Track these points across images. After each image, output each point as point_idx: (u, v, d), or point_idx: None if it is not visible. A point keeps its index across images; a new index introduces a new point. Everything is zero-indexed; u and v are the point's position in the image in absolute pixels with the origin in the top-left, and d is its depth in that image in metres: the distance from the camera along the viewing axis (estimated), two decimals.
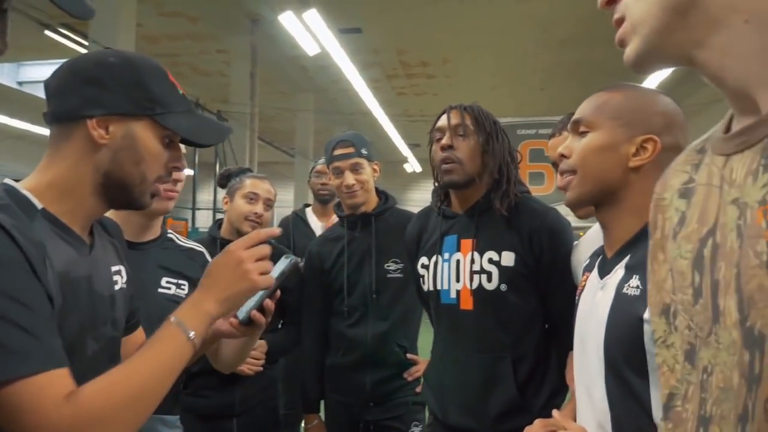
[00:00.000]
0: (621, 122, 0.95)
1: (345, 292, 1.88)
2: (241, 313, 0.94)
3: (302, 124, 11.97)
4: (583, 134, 0.99)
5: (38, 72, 11.62)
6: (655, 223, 0.56)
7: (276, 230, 0.92)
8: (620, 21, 0.49)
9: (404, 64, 9.97)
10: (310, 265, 1.96)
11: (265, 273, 0.87)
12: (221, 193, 2.04)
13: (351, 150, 1.89)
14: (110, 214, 1.31)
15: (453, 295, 1.46)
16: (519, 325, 1.42)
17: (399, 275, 1.86)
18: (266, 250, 0.88)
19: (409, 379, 1.84)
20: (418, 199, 15.47)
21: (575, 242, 1.46)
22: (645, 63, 0.48)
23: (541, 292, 1.43)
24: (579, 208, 1.05)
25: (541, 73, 9.98)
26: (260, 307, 0.95)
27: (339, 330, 1.89)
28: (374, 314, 1.85)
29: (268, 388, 1.96)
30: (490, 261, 1.42)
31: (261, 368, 1.86)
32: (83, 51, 6.34)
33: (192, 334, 0.79)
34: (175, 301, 1.46)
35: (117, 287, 0.90)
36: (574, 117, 1.01)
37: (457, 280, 1.45)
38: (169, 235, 1.54)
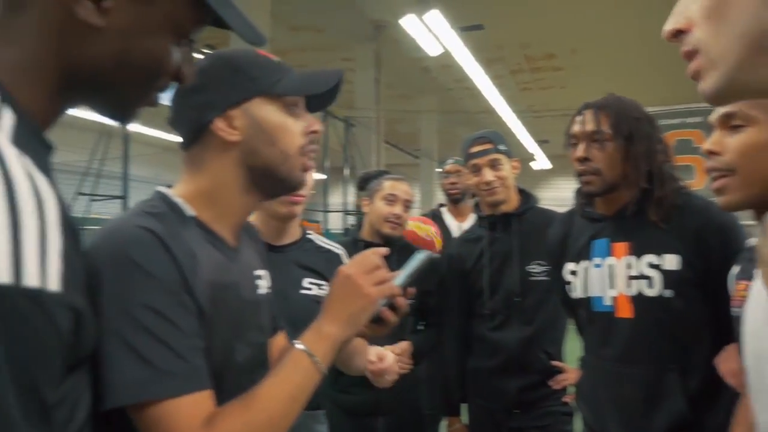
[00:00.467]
0: None
1: (486, 294, 1.84)
2: None
3: (426, 126, 12.06)
4: (736, 129, 0.90)
5: None
6: None
7: (383, 250, 0.89)
8: (691, 54, 0.46)
9: (528, 58, 9.64)
10: (450, 267, 1.94)
11: (382, 282, 0.85)
12: (350, 195, 2.10)
13: (488, 146, 1.86)
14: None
15: (608, 302, 1.35)
16: (687, 334, 1.28)
17: (544, 278, 1.78)
18: (375, 260, 0.85)
19: (555, 387, 1.76)
20: (549, 197, 14.84)
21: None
22: (725, 97, 0.46)
23: (712, 298, 1.27)
24: (736, 211, 0.96)
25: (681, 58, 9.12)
26: (392, 305, 0.92)
27: (481, 333, 1.86)
28: (518, 318, 1.80)
29: (412, 389, 1.98)
30: (651, 265, 1.30)
31: (407, 369, 1.89)
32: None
33: (317, 359, 0.78)
34: (318, 302, 1.47)
35: (261, 292, 0.91)
36: (726, 109, 0.91)
37: (612, 287, 1.34)
38: (308, 236, 1.57)
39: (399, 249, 1.94)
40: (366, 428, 1.90)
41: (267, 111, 0.83)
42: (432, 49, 7.70)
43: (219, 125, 0.80)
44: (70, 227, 0.47)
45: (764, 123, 0.88)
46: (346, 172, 8.97)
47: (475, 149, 1.87)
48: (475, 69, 8.94)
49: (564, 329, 1.88)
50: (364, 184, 2.07)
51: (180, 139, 0.85)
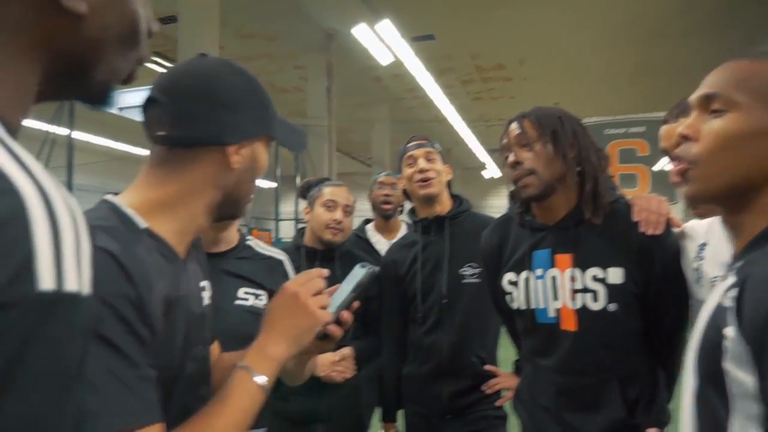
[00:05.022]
0: None
1: (419, 299, 1.84)
2: None
3: (378, 134, 12.12)
4: (716, 114, 0.78)
5: (135, 98, 12.59)
6: None
7: (324, 271, 0.89)
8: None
9: (479, 68, 9.85)
10: (386, 273, 1.93)
11: (323, 307, 0.85)
12: (302, 204, 2.08)
13: (425, 141, 1.92)
14: None
15: (552, 314, 1.34)
16: (628, 345, 1.29)
17: (475, 280, 1.78)
18: (320, 284, 0.86)
19: (488, 391, 1.74)
20: (499, 205, 15.16)
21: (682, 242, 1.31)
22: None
23: (651, 308, 1.30)
24: (701, 204, 0.85)
25: (629, 69, 9.53)
26: (337, 320, 0.92)
27: (416, 338, 1.85)
28: (448, 321, 1.79)
29: (353, 395, 1.96)
30: (595, 278, 1.28)
31: (350, 375, 1.86)
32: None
33: (263, 380, 0.78)
34: (254, 312, 1.40)
35: (205, 303, 0.89)
36: (706, 91, 0.79)
37: (555, 298, 1.33)
38: (248, 243, 1.52)
39: (341, 255, 1.96)
40: None
41: (263, 151, 0.86)
42: (383, 59, 7.75)
43: (235, 150, 0.81)
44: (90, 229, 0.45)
45: (747, 110, 0.76)
46: (298, 180, 8.89)
47: (412, 144, 1.92)
48: (426, 78, 9.04)
49: (497, 334, 1.87)
50: (305, 192, 2.07)
51: (161, 133, 0.79)
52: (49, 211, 0.38)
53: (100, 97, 0.55)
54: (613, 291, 1.27)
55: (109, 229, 0.71)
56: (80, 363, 0.41)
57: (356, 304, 0.93)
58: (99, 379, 0.64)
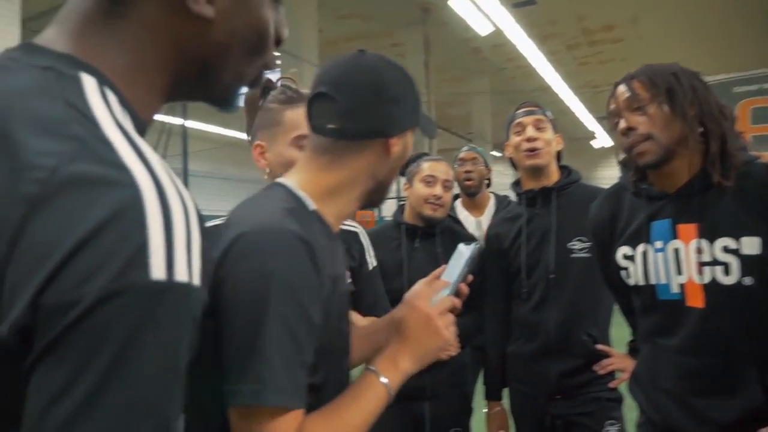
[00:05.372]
0: None
1: (524, 274, 1.77)
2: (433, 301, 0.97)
3: (478, 108, 11.86)
4: None
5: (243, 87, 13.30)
6: None
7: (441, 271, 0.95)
8: None
9: (585, 32, 9.26)
10: (489, 248, 1.87)
11: (450, 324, 0.90)
12: (402, 181, 2.09)
13: (535, 108, 1.83)
14: None
15: (675, 289, 1.23)
16: (766, 323, 1.16)
17: (585, 255, 1.68)
18: (449, 302, 0.91)
19: (601, 372, 1.64)
20: (610, 176, 14.31)
21: None
22: None
23: None
24: None
25: (758, 17, 8.51)
26: (456, 293, 0.97)
27: (520, 315, 1.79)
28: (556, 298, 1.71)
29: (459, 373, 1.96)
30: (726, 249, 1.17)
31: (455, 353, 1.87)
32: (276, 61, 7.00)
33: (392, 390, 0.84)
34: None
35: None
36: None
37: (679, 273, 1.22)
38: None
39: (441, 231, 1.96)
40: (412, 413, 1.88)
41: (410, 140, 0.90)
42: (482, 29, 7.52)
43: (395, 142, 0.85)
44: (202, 220, 0.47)
45: None
46: None
47: (521, 110, 1.83)
48: (528, 46, 8.67)
49: (610, 311, 1.75)
50: (404, 168, 2.06)
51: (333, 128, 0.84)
52: (162, 205, 0.40)
53: (225, 100, 0.58)
54: (748, 263, 1.14)
55: (293, 212, 0.78)
56: (188, 351, 0.42)
57: (470, 277, 0.97)
58: (269, 353, 0.69)
